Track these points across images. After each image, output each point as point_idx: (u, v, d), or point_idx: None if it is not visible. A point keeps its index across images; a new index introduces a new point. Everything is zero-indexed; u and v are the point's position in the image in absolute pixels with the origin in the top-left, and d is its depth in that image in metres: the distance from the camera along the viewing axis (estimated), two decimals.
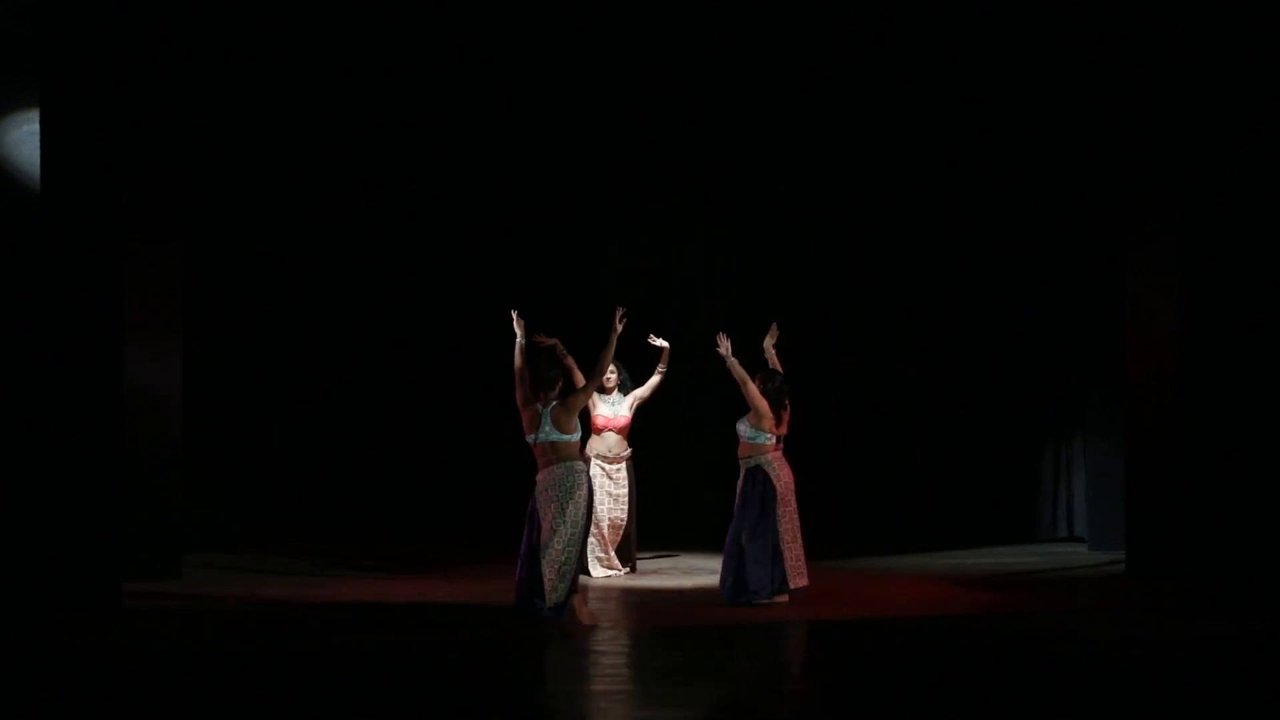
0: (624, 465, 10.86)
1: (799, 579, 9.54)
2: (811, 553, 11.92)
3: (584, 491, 8.91)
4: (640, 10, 12.28)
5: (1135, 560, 10.70)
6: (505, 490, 13.46)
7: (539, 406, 8.97)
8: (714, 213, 13.69)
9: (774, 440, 9.63)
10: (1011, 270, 13.36)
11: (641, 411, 11.00)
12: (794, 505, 9.61)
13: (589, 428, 10.85)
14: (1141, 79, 10.66)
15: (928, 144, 13.32)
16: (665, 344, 10.77)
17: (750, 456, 9.59)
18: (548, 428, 8.93)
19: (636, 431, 11.00)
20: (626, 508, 10.81)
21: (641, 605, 9.73)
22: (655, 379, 10.91)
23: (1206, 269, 9.10)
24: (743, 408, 9.65)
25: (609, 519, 10.75)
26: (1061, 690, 7.07)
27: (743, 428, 9.65)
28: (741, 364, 9.54)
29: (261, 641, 8.36)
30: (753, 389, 9.50)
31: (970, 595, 10.10)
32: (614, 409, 10.85)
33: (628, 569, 10.92)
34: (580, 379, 10.66)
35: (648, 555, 11.62)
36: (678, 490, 12.92)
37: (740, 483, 9.62)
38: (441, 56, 12.69)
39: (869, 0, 12.10)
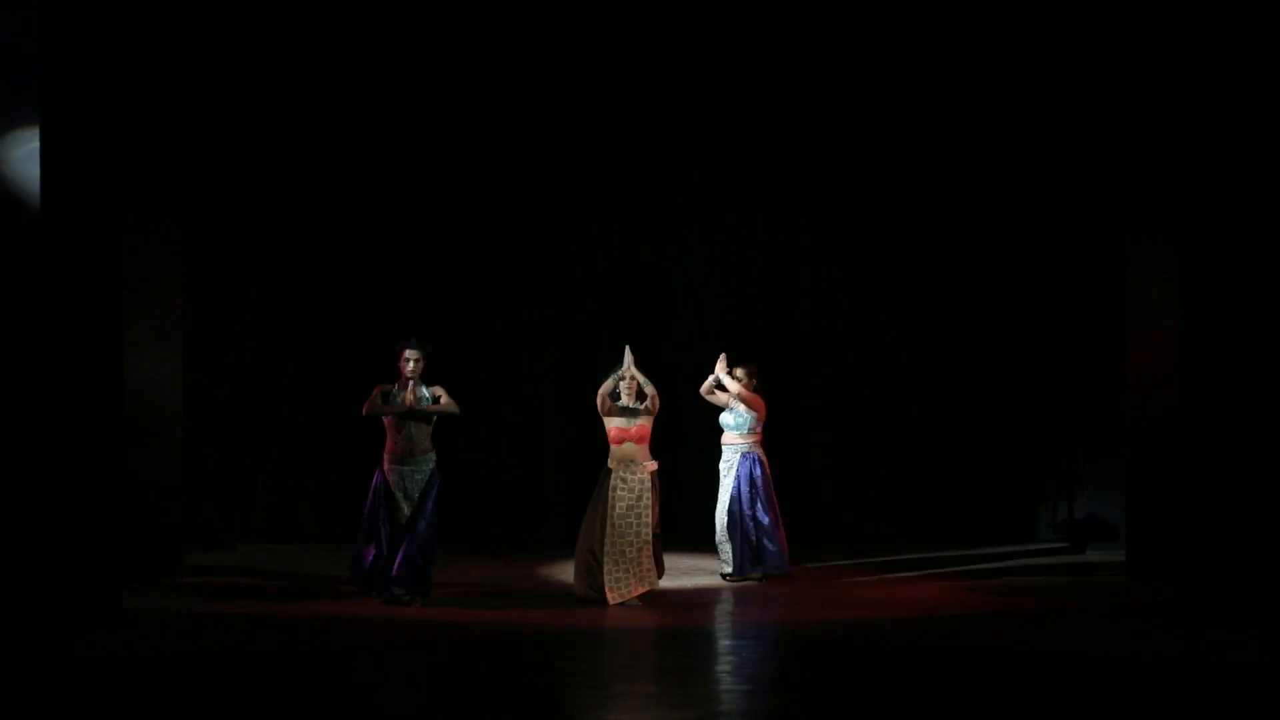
0: (646, 480, 9.88)
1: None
2: (811, 553, 11.96)
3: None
4: (643, 10, 12.26)
5: (1135, 560, 10.71)
6: (505, 491, 13.52)
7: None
8: (714, 213, 13.69)
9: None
10: (1011, 270, 13.36)
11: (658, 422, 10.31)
12: None
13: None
14: (1142, 79, 10.67)
15: (928, 144, 13.32)
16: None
17: (746, 445, 10.86)
18: None
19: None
20: (640, 521, 9.78)
21: (642, 605, 9.71)
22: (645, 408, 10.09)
23: (1206, 269, 9.09)
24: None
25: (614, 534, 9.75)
26: (1061, 690, 7.07)
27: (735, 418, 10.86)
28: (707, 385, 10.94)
29: (261, 643, 8.37)
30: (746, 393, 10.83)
31: (969, 595, 10.10)
32: (628, 420, 9.98)
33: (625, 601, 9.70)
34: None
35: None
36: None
37: (744, 468, 10.71)
38: (441, 56, 12.67)
39: (870, 0, 12.09)
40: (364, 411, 9.66)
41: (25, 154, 8.78)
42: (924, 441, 13.58)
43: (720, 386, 10.90)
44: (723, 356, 10.93)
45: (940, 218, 13.48)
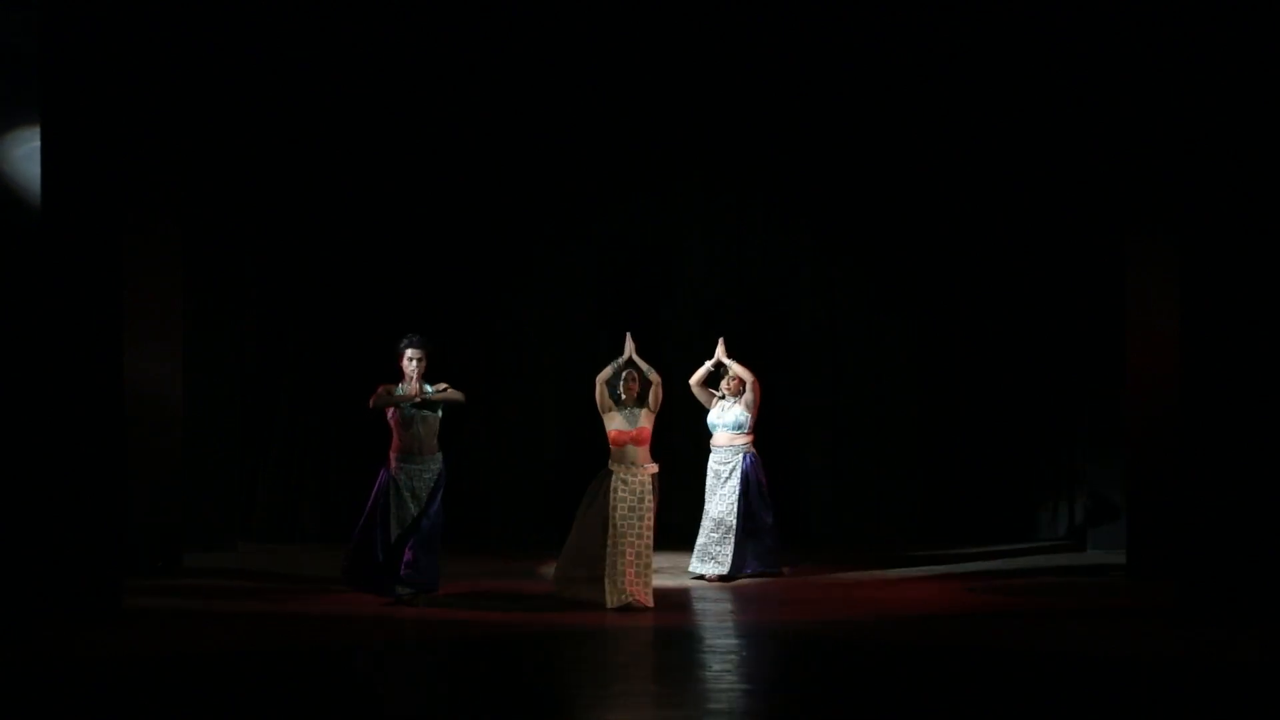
0: (647, 482, 9.72)
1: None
2: (812, 553, 11.96)
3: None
4: (643, 10, 12.25)
5: (1135, 560, 10.71)
6: (505, 490, 13.52)
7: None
8: (714, 213, 13.69)
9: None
10: (1012, 270, 13.36)
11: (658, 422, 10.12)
12: None
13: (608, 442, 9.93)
14: (1142, 79, 10.67)
15: (928, 144, 13.31)
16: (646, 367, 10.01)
17: (744, 444, 10.87)
18: None
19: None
20: (642, 523, 9.60)
21: (645, 607, 9.70)
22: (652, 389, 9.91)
23: (1206, 268, 9.09)
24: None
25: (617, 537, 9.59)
26: (1061, 690, 7.07)
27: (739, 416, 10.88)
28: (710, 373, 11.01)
29: (261, 643, 8.36)
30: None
31: (969, 595, 10.10)
32: (629, 422, 9.79)
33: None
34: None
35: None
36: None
37: (745, 469, 10.77)
38: (441, 56, 12.66)
39: (870, 0, 12.09)
40: (370, 404, 9.65)
41: (25, 154, 8.78)
42: (924, 441, 13.58)
43: (713, 381, 10.87)
44: (721, 341, 10.90)
45: (940, 218, 13.48)
